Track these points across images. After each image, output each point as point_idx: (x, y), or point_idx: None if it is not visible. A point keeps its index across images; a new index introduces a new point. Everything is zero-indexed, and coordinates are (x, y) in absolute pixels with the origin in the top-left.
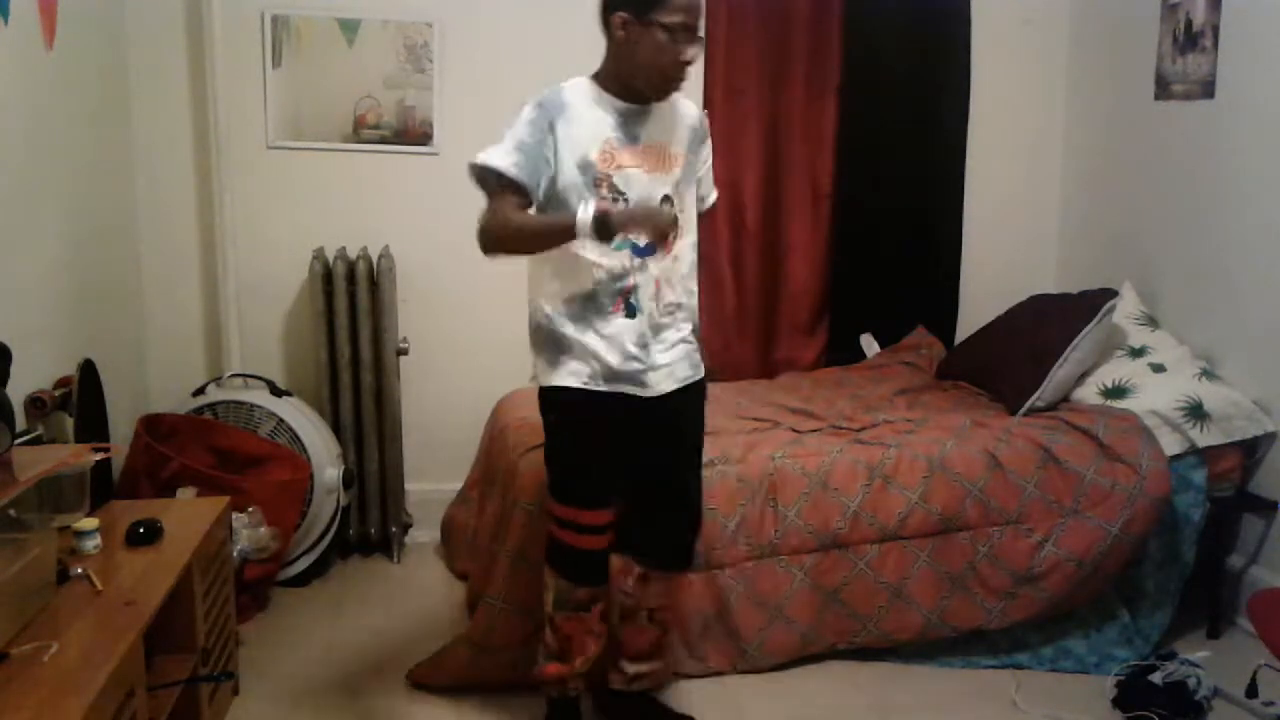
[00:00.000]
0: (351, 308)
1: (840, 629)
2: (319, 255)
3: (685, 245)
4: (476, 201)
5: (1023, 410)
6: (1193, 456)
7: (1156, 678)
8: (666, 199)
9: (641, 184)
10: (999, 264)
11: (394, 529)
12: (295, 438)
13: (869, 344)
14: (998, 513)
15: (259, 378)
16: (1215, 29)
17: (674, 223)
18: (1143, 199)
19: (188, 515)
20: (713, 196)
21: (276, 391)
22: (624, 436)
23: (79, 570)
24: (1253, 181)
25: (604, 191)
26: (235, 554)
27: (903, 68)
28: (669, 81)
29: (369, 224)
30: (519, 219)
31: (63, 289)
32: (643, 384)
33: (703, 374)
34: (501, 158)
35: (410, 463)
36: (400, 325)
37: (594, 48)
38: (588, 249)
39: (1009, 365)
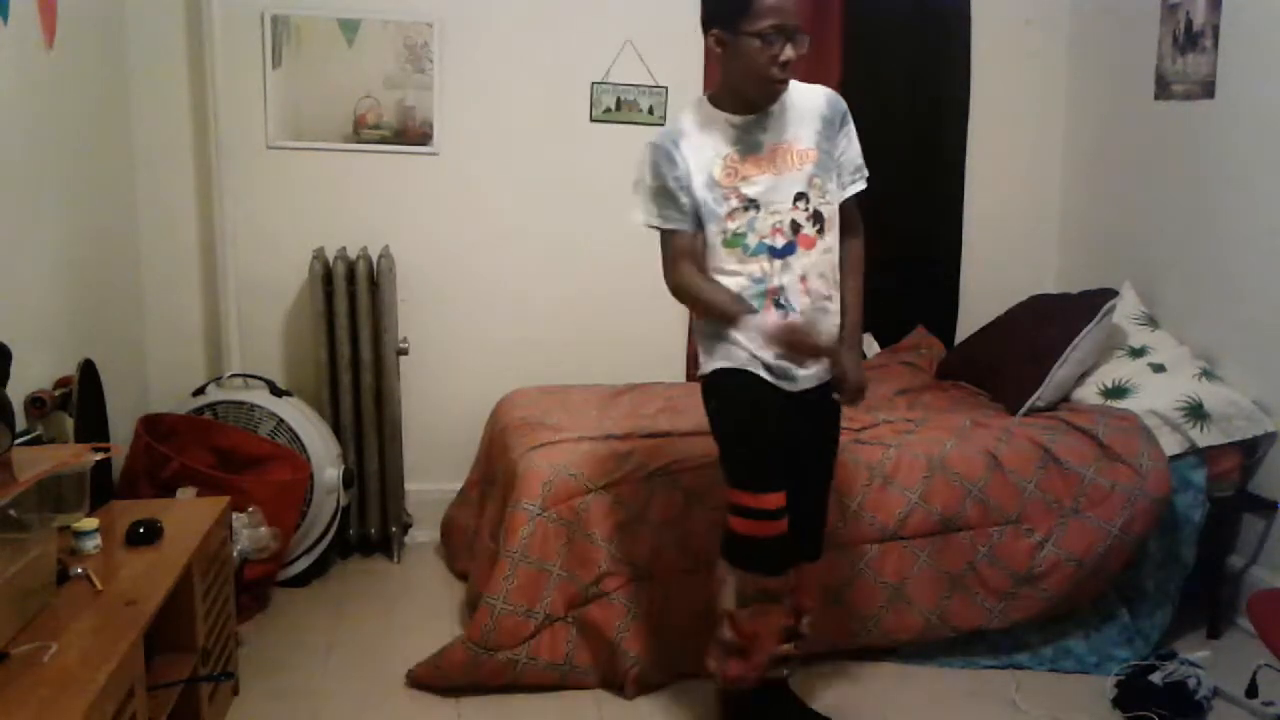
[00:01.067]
0: (351, 308)
1: (840, 629)
2: (319, 255)
3: (832, 237)
4: (476, 202)
5: (1023, 410)
6: (1193, 456)
7: (1156, 678)
8: (800, 196)
9: (772, 189)
10: (999, 264)
11: (394, 529)
12: (295, 438)
13: (869, 344)
14: (998, 513)
15: (259, 378)
16: (1215, 29)
17: (814, 348)
18: (1143, 199)
19: (188, 515)
20: (852, 188)
21: (276, 391)
22: (778, 423)
23: (79, 570)
24: (1253, 181)
25: (735, 203)
26: (235, 554)
27: (903, 68)
28: (772, 84)
29: (369, 224)
30: (694, 283)
31: (63, 289)
32: (791, 379)
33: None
34: (648, 215)
35: (410, 463)
36: (400, 325)
37: (592, 48)
38: (722, 259)
39: (1009, 365)
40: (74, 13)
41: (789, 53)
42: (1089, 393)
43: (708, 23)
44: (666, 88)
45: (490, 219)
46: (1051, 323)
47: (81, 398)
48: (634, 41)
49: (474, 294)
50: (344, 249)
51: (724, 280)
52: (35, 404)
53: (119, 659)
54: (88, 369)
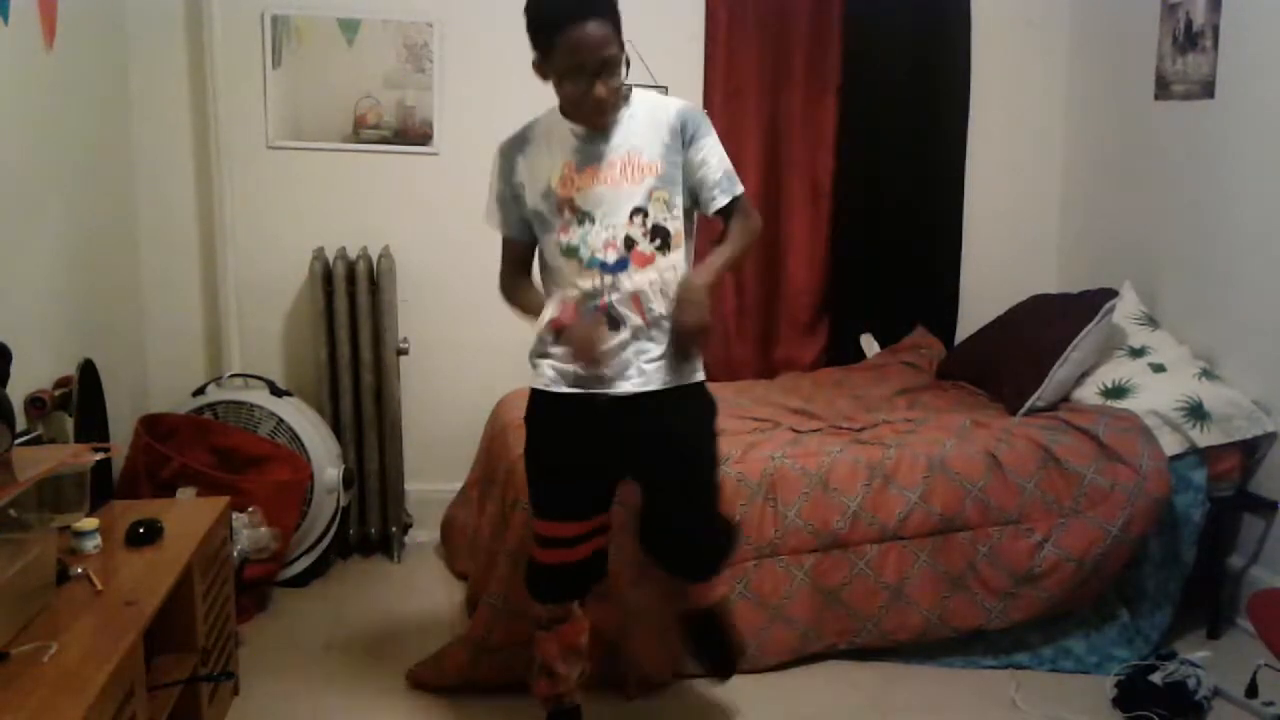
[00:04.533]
0: (351, 308)
1: (840, 629)
2: (319, 255)
3: (678, 254)
4: (476, 201)
5: (1023, 410)
6: (1193, 456)
7: (1156, 678)
8: (638, 210)
9: (607, 200)
10: (999, 264)
11: (394, 529)
12: (295, 438)
13: (869, 344)
14: (998, 513)
15: (259, 378)
16: (1215, 29)
17: (595, 345)
18: (1143, 199)
19: (188, 515)
20: (722, 199)
21: (276, 391)
22: (591, 441)
23: (79, 570)
24: (1253, 181)
25: (567, 215)
26: (235, 554)
27: (903, 68)
28: (589, 114)
29: (369, 224)
30: (511, 289)
31: (63, 289)
32: (610, 384)
33: (693, 380)
34: (490, 215)
35: (410, 463)
36: (400, 325)
37: None
38: (562, 270)
39: (1009, 365)
40: (74, 13)
41: (599, 90)
42: (1089, 393)
43: (533, 48)
44: (666, 88)
45: None
46: (1051, 323)
47: (81, 398)
48: (634, 41)
49: (474, 294)
50: (344, 249)
51: (565, 291)
52: (35, 404)
53: (119, 659)
54: (88, 369)
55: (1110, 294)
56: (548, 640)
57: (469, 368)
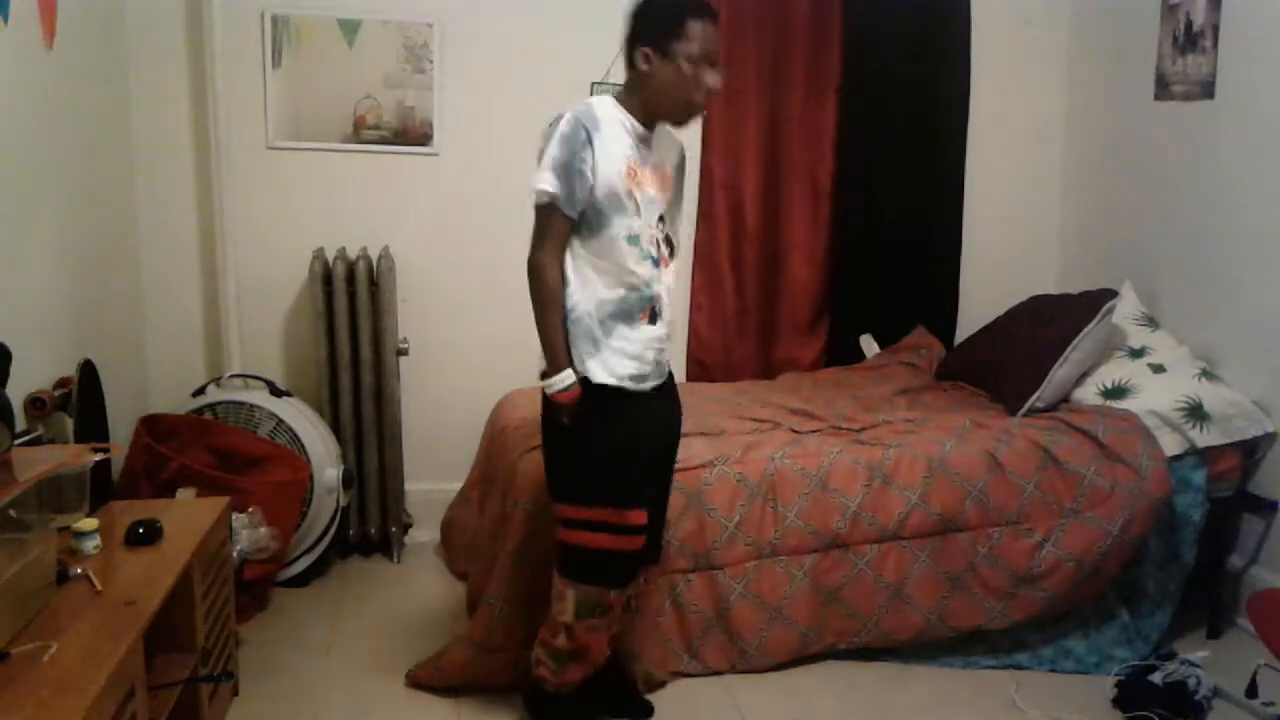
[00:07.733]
0: (351, 308)
1: (840, 629)
2: (319, 255)
3: (675, 267)
4: (477, 202)
5: (1023, 410)
6: (1193, 457)
7: (1156, 678)
8: (660, 219)
9: (651, 203)
10: (999, 264)
11: (394, 529)
12: (295, 438)
13: (869, 344)
14: (998, 513)
15: (259, 378)
16: (1215, 29)
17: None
18: (1143, 199)
19: (188, 515)
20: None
21: (276, 392)
22: (653, 430)
23: (79, 570)
24: (1252, 182)
25: (633, 204)
26: (235, 554)
27: (903, 68)
28: (693, 109)
29: (369, 224)
30: (551, 292)
31: (63, 289)
32: (660, 377)
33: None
34: (553, 186)
35: (410, 463)
36: (400, 325)
37: (592, 49)
38: (625, 255)
39: (1009, 365)
40: (74, 13)
41: (712, 79)
42: (1089, 393)
43: (636, 40)
44: None
45: (490, 219)
46: (1051, 323)
47: (81, 398)
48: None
49: (474, 294)
50: (344, 249)
51: (623, 276)
52: (35, 404)
53: (119, 659)
54: (88, 369)
55: (1110, 294)
56: (601, 629)
57: (469, 368)
